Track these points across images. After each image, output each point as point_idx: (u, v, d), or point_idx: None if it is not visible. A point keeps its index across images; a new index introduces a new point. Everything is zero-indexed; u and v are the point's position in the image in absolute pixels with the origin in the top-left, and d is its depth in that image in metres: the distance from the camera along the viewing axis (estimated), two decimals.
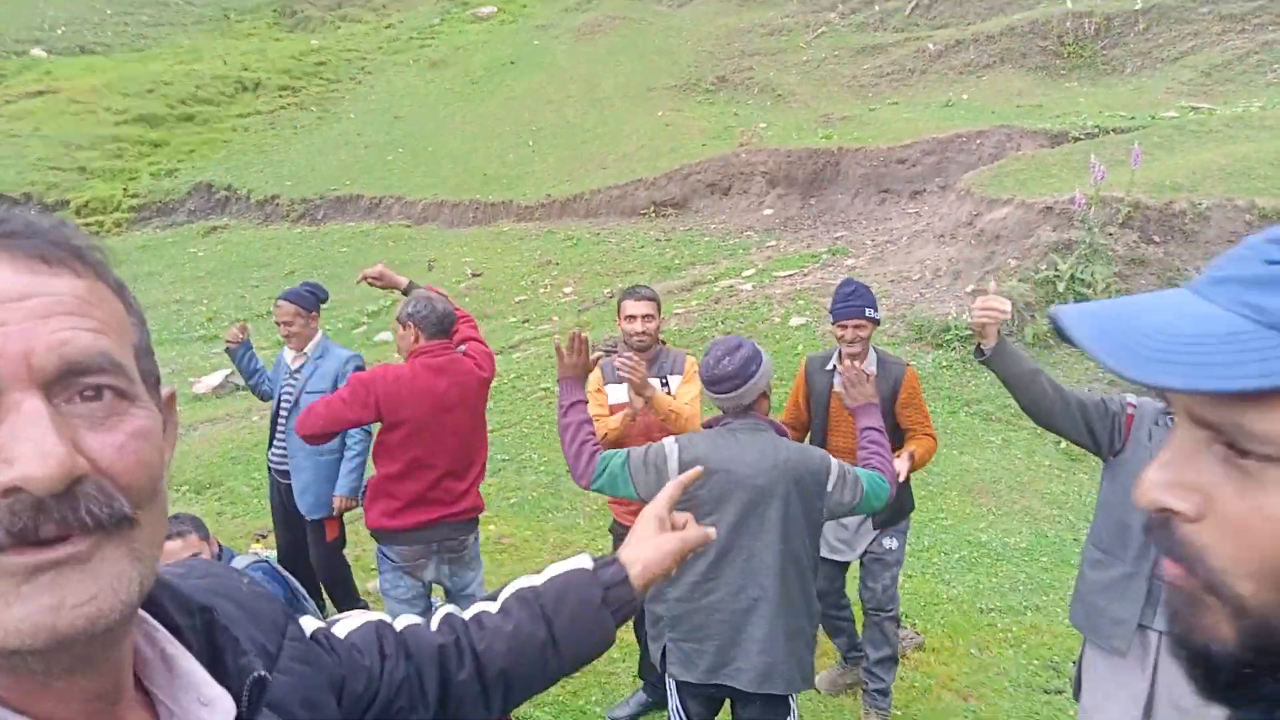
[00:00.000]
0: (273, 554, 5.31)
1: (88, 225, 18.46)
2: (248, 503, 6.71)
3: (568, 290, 11.59)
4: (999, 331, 2.98)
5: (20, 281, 0.59)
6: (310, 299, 4.85)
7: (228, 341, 5.14)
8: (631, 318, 3.90)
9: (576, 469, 2.84)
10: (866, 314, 3.81)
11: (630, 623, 4.15)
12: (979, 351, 3.01)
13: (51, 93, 22.79)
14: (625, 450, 2.83)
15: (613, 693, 4.33)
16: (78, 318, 0.60)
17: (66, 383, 0.59)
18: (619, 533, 4.09)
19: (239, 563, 3.96)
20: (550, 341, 9.77)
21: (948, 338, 8.41)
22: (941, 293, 9.04)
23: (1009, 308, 2.98)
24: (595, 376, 3.97)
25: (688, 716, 2.99)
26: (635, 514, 3.88)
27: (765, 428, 2.86)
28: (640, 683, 4.21)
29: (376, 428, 3.91)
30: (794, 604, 2.81)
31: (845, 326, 3.82)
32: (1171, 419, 2.49)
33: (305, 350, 4.82)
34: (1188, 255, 8.36)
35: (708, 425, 2.97)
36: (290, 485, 4.80)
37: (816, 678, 4.11)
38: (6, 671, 0.58)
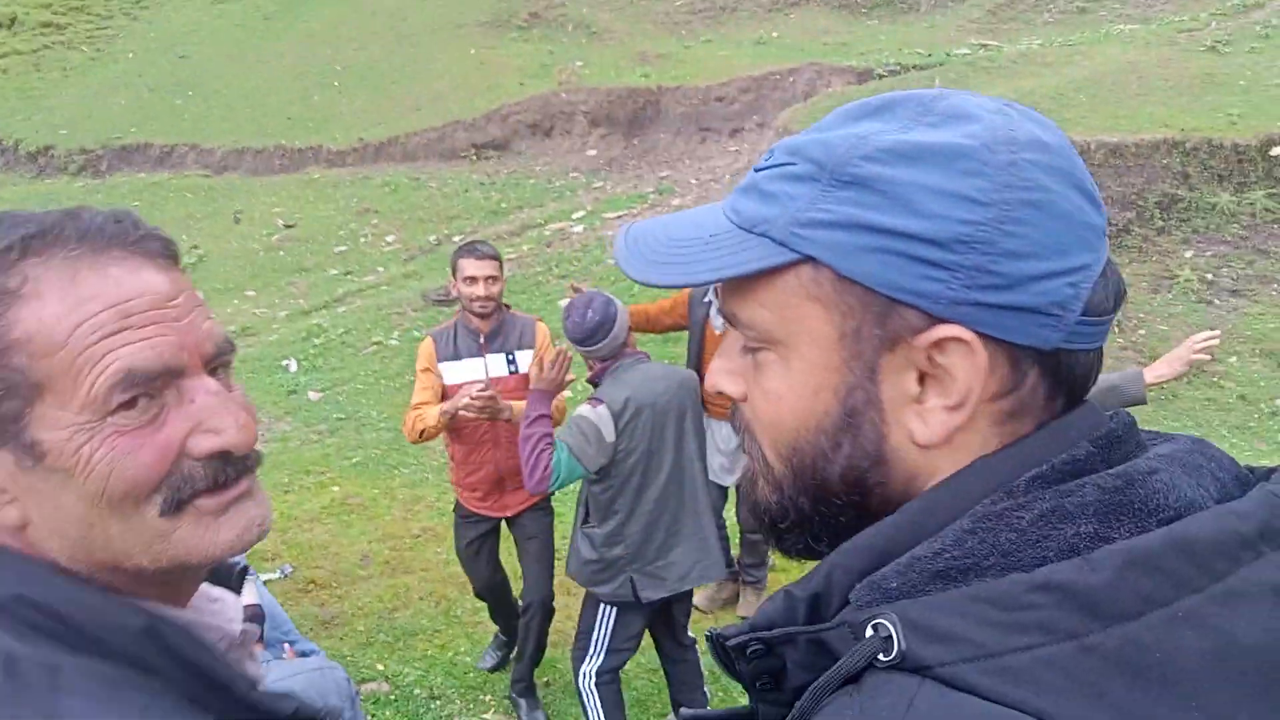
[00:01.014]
0: None
1: None
2: None
3: (390, 239, 11.17)
4: None
5: (165, 282, 0.71)
6: None
7: None
8: (472, 279, 3.47)
9: (533, 477, 2.91)
10: None
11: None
12: None
13: None
14: (558, 441, 2.94)
15: (480, 642, 4.32)
16: (203, 308, 0.74)
17: (213, 363, 0.73)
18: (463, 514, 3.80)
19: None
20: (378, 292, 9.42)
21: None
22: None
23: None
24: (426, 350, 3.58)
25: (623, 640, 3.25)
26: (483, 499, 3.72)
27: (643, 357, 3.13)
28: (495, 627, 4.20)
29: None
30: (709, 488, 3.27)
31: None
32: None
33: None
34: None
35: (595, 378, 3.11)
36: None
37: (696, 597, 4.26)
38: (165, 583, 0.72)
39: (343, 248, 11.18)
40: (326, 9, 20.03)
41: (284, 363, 7.93)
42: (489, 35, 17.46)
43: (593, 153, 12.87)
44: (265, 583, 5.06)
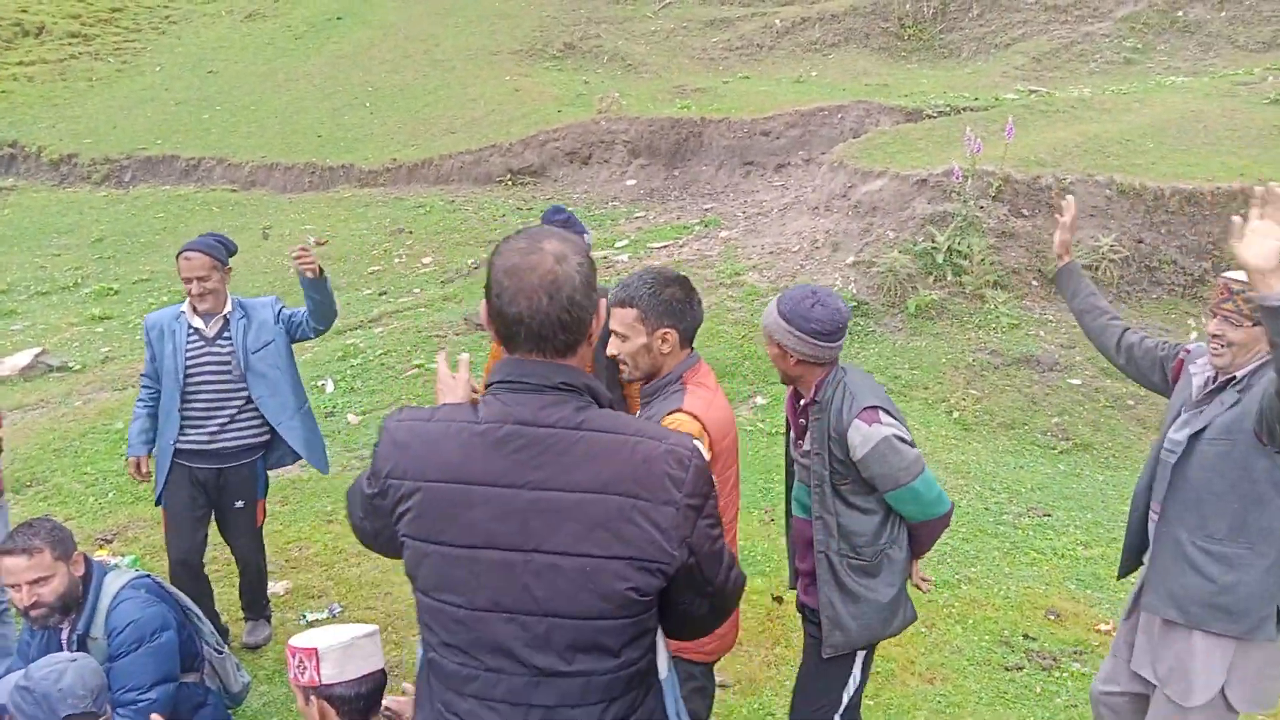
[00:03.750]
0: (125, 559, 4.53)
1: None
2: (81, 502, 5.72)
3: (426, 261, 10.81)
4: (1069, 258, 3.29)
5: None
6: (223, 250, 4.07)
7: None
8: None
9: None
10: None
11: None
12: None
13: None
14: (924, 474, 2.63)
15: None
16: None
17: None
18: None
19: (115, 580, 3.24)
20: (417, 314, 9.03)
21: None
22: (822, 264, 8.97)
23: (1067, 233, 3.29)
24: None
25: (864, 679, 2.81)
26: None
27: None
28: None
29: None
30: None
31: None
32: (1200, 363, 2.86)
33: (224, 312, 4.05)
34: (1054, 228, 8.62)
35: (817, 395, 2.64)
36: (217, 470, 4.09)
37: None
38: None
39: (376, 267, 10.82)
40: (358, 32, 19.89)
41: (320, 383, 7.53)
42: (523, 63, 17.27)
43: (632, 182, 12.58)
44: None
